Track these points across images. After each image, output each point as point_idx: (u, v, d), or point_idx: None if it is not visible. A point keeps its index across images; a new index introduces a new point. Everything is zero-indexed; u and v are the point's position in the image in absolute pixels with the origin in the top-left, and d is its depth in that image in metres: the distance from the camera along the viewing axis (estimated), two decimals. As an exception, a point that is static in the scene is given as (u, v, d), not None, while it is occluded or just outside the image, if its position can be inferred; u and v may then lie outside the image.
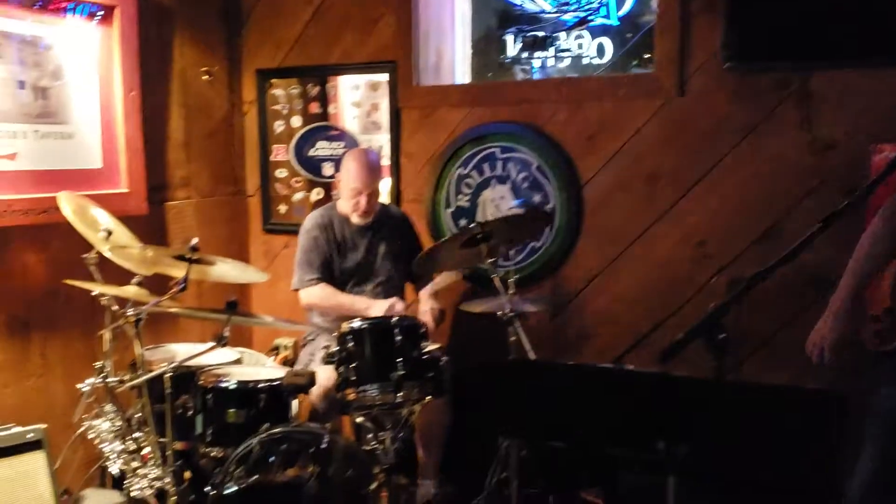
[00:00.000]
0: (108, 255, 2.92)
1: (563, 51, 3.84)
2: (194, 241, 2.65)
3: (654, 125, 3.36)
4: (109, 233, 2.94)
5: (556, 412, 1.91)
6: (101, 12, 3.44)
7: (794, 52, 3.01)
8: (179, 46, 3.93)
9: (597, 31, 3.78)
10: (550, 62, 3.89)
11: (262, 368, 3.21)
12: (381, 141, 4.04)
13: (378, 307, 3.26)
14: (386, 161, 4.00)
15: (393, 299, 3.30)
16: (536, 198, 3.63)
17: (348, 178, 3.39)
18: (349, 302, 3.36)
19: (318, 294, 3.40)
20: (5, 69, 3.10)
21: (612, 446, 1.82)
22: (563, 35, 3.81)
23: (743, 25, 3.07)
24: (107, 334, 3.01)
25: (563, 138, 3.55)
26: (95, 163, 3.48)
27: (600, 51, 3.79)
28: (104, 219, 3.04)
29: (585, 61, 3.84)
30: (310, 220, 3.52)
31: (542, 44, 3.77)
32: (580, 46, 3.83)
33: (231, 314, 2.69)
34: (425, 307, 3.35)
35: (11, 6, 3.10)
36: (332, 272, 3.44)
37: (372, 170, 3.42)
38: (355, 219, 3.43)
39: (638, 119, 3.38)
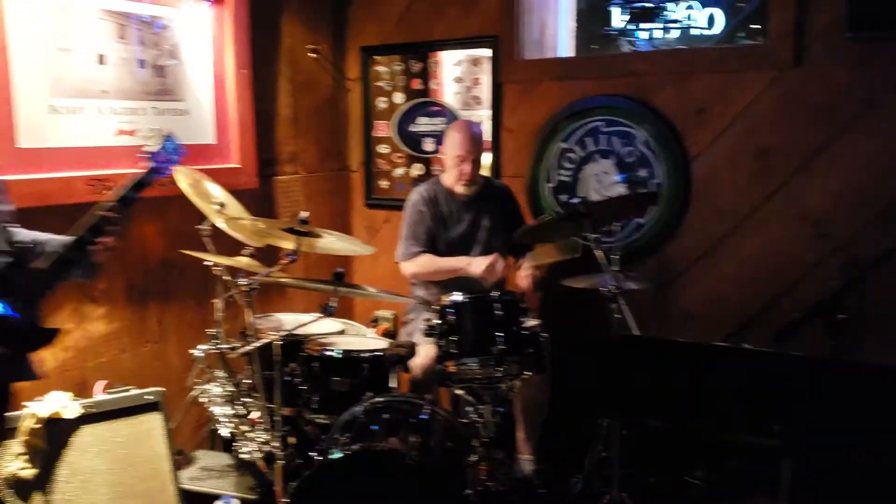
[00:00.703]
0: (221, 226, 3.04)
1: (672, 22, 3.73)
2: (305, 214, 2.72)
3: (767, 98, 3.22)
4: (222, 205, 3.05)
5: (662, 391, 1.88)
6: (214, -8, 3.56)
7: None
8: (288, 25, 4.02)
9: (707, 1, 3.65)
10: (658, 34, 3.78)
11: (365, 339, 3.28)
12: (482, 116, 4.03)
13: (478, 263, 3.29)
14: (486, 136, 3.99)
15: (493, 256, 3.31)
16: (642, 172, 3.55)
17: (452, 147, 3.42)
18: (449, 264, 3.40)
19: (421, 262, 3.45)
20: (126, 49, 3.24)
21: (722, 427, 1.77)
22: (671, 6, 3.70)
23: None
24: (219, 303, 3.14)
25: (671, 112, 3.46)
26: (209, 138, 3.62)
27: (710, 21, 3.66)
28: (217, 192, 3.15)
29: (695, 32, 3.71)
30: (415, 194, 3.56)
31: (650, 15, 3.66)
32: (689, 17, 3.71)
33: (338, 285, 2.75)
34: (525, 272, 3.34)
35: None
36: (436, 245, 3.49)
37: (475, 139, 3.44)
38: (459, 188, 3.45)
39: (750, 92, 3.25)
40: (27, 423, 2.75)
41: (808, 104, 3.13)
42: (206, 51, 3.58)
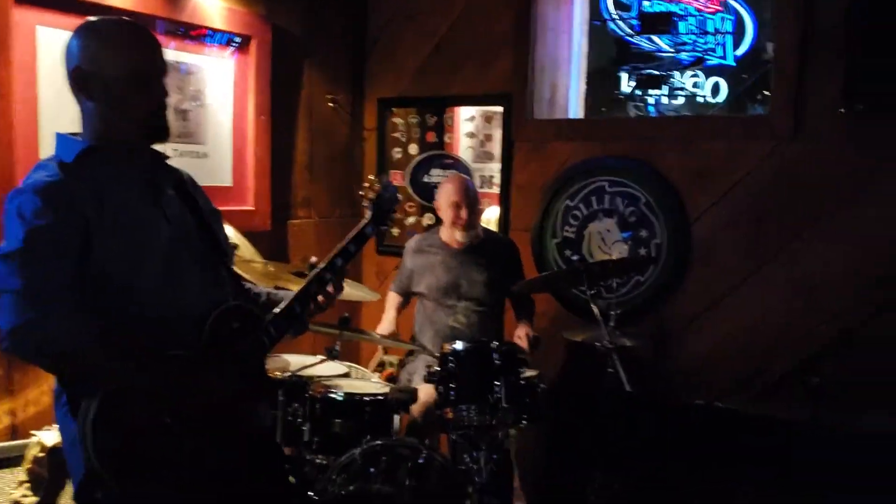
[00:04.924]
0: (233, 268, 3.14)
1: (678, 89, 3.87)
2: (313, 259, 2.81)
3: (766, 167, 3.33)
4: (235, 247, 3.15)
5: (647, 447, 1.95)
6: (238, 41, 3.72)
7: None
8: (308, 74, 4.18)
9: (713, 71, 3.79)
10: (664, 100, 3.92)
11: (368, 383, 3.35)
12: (493, 171, 4.16)
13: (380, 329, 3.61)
14: (496, 190, 4.13)
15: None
16: (643, 233, 3.65)
17: (448, 195, 3.55)
18: (385, 316, 3.71)
19: (388, 300, 3.78)
20: (153, 93, 3.39)
21: (698, 483, 1.84)
22: (677, 74, 3.84)
23: (864, 68, 3.02)
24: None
25: (673, 176, 3.57)
26: (226, 181, 3.76)
27: (715, 90, 3.80)
28: (231, 234, 3.26)
29: (700, 100, 3.85)
30: (409, 242, 3.78)
31: (656, 82, 3.80)
32: (695, 85, 3.85)
33: (343, 329, 2.84)
34: (521, 332, 3.44)
35: (158, 33, 3.39)
36: (420, 291, 3.64)
37: (469, 188, 3.58)
38: (458, 235, 3.55)
39: (750, 160, 3.36)
40: (33, 452, 2.83)
41: (805, 175, 3.24)
42: (228, 97, 3.73)
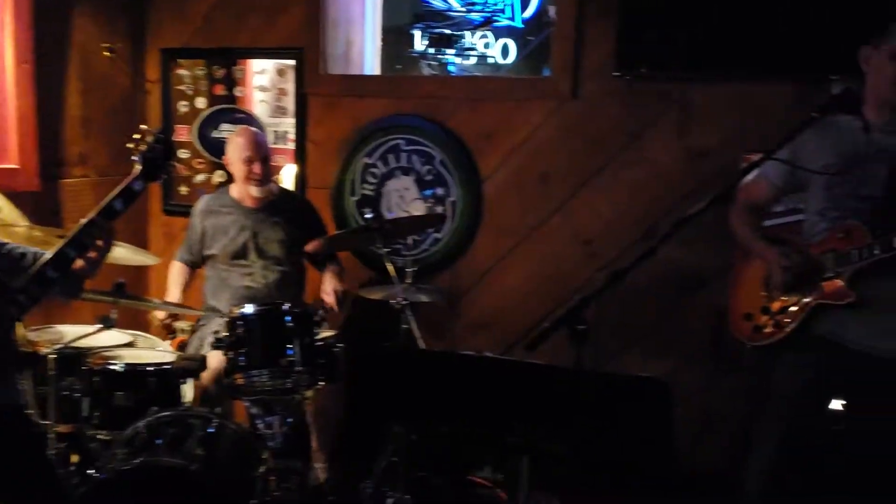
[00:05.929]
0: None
1: (468, 49, 3.94)
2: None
3: (548, 127, 3.49)
4: (-6, 209, 2.87)
5: (435, 398, 2.01)
6: (-6, -22, 3.34)
7: (677, 64, 3.17)
8: (79, 20, 3.83)
9: (502, 32, 3.90)
10: (457, 60, 3.98)
11: (154, 352, 3.20)
12: (288, 126, 4.04)
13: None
14: (291, 146, 4.02)
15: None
16: (440, 191, 3.72)
17: (238, 150, 3.42)
18: (171, 286, 3.57)
19: (171, 270, 3.61)
20: None
21: (480, 429, 1.93)
22: (468, 34, 3.91)
23: (632, 36, 3.21)
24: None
25: (465, 135, 3.65)
26: (-18, 136, 3.39)
27: (504, 51, 3.91)
28: (-10, 195, 2.96)
29: (492, 61, 3.95)
30: (198, 204, 3.60)
31: (448, 41, 3.85)
32: (486, 46, 3.94)
33: (117, 297, 2.68)
34: (328, 288, 3.40)
35: None
36: (212, 254, 3.50)
37: (259, 140, 3.47)
38: (252, 190, 3.43)
39: (534, 120, 3.51)
40: None
41: (582, 134, 3.43)
42: (-18, 41, 3.35)
